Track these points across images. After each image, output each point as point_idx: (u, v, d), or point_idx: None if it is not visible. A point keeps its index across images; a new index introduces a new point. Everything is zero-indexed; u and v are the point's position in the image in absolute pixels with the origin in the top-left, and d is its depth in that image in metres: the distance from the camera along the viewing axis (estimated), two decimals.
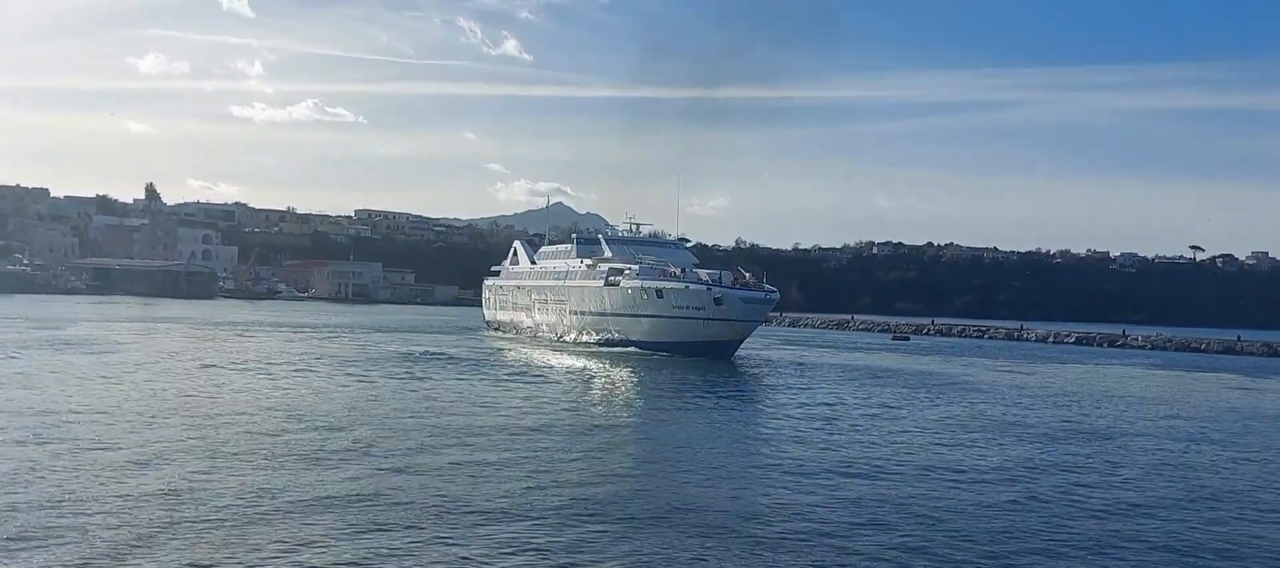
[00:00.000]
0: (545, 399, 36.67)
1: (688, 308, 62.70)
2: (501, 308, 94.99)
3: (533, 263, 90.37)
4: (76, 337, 60.41)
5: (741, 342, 63.99)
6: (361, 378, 42.09)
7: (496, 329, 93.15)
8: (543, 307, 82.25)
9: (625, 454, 25.29)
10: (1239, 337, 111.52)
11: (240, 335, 69.98)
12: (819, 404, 38.80)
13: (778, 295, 64.39)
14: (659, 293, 64.61)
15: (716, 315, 61.37)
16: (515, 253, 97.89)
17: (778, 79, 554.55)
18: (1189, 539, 18.36)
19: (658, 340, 64.50)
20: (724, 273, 65.47)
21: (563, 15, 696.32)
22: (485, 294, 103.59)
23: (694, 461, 24.51)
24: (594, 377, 47.73)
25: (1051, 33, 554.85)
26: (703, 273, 66.69)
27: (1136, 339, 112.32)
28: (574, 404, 35.81)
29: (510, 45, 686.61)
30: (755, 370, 55.54)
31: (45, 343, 54.42)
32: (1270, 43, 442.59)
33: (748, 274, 66.15)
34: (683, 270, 67.61)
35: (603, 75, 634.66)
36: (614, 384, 44.63)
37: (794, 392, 43.87)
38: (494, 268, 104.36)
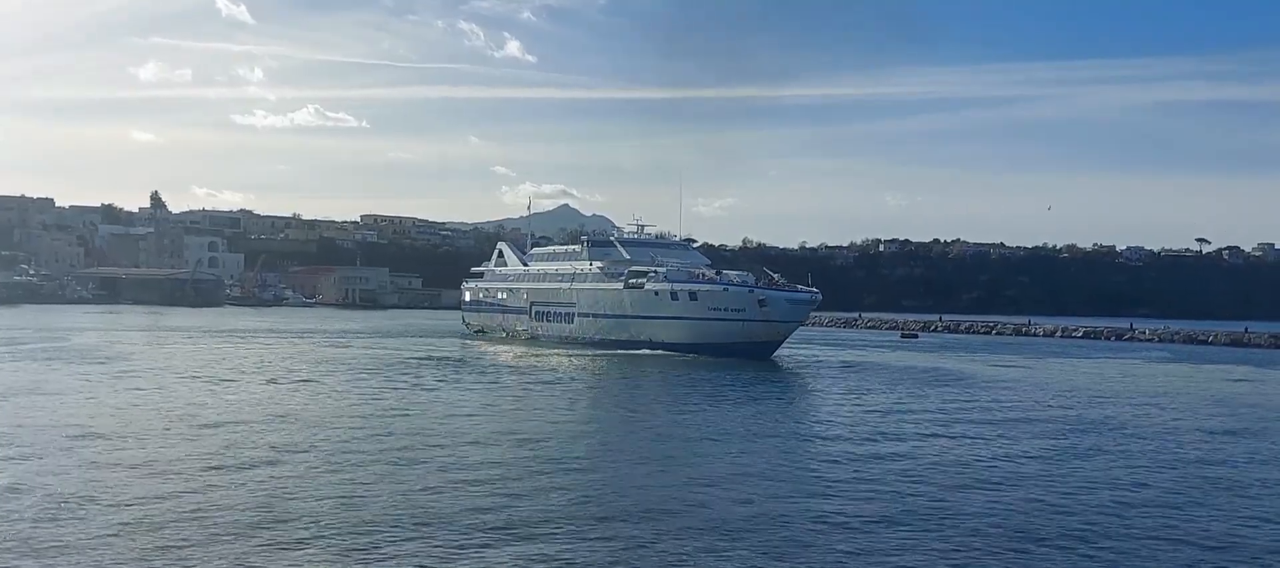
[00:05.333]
0: (593, 403, 36.80)
1: (726, 310, 63.09)
2: (489, 311, 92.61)
3: (524, 265, 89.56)
4: (85, 347, 60.59)
5: (782, 342, 64.36)
6: (391, 386, 42.12)
7: (479, 332, 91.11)
8: (544, 310, 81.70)
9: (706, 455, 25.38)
10: (1247, 328, 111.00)
11: (248, 343, 70.15)
12: (851, 403, 38.89)
13: (820, 296, 64.82)
14: (692, 295, 64.88)
15: (759, 316, 61.88)
16: (501, 254, 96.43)
17: (784, 78, 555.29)
18: (1199, 530, 18.34)
19: (689, 342, 64.54)
20: (748, 274, 66.73)
21: (562, 17, 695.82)
22: (466, 297, 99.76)
23: (747, 458, 24.63)
24: (636, 380, 47.92)
25: (1057, 28, 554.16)
26: (732, 274, 67.86)
27: (1144, 333, 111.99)
28: (635, 407, 35.92)
29: (513, 47, 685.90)
30: (796, 371, 55.84)
31: (54, 354, 54.60)
32: (1276, 35, 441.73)
33: (775, 275, 67.02)
34: (718, 272, 68.72)
35: (607, 76, 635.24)
36: (667, 386, 44.73)
37: (827, 393, 43.84)
38: (475, 270, 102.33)
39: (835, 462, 24.93)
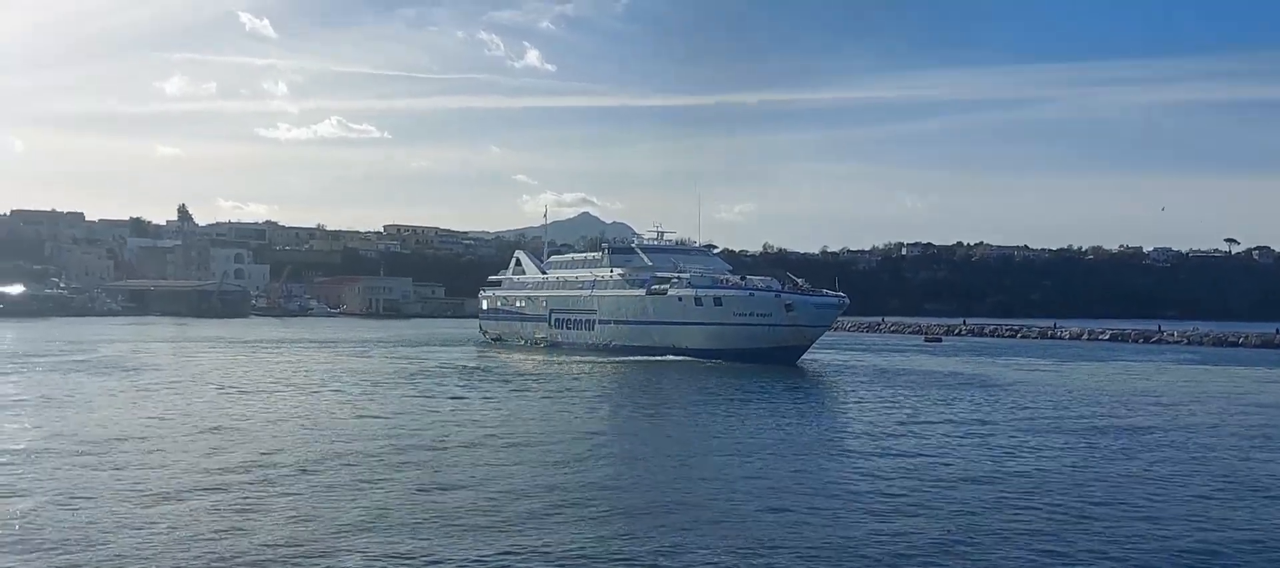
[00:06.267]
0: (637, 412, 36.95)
1: (752, 315, 63.28)
2: (507, 319, 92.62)
3: (543, 273, 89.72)
4: (116, 358, 61.25)
5: (808, 347, 64.40)
6: (409, 394, 42.36)
7: (497, 340, 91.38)
8: (564, 317, 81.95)
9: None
10: (1278, 330, 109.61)
11: (272, 353, 70.71)
12: (880, 408, 38.87)
13: (847, 300, 64.87)
14: (717, 300, 65.10)
15: (786, 321, 62.08)
16: (518, 262, 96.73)
17: (800, 83, 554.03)
18: (1234, 537, 18.18)
19: (714, 348, 64.60)
20: (773, 279, 67.19)
21: (581, 26, 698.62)
22: (483, 305, 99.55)
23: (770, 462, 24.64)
24: (661, 386, 47.92)
25: (1076, 27, 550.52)
26: (757, 279, 68.35)
27: (1172, 335, 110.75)
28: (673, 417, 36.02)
29: (533, 56, 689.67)
30: (823, 376, 55.78)
31: (85, 366, 55.24)
32: None
33: (800, 280, 67.37)
34: (743, 278, 69.25)
35: (625, 84, 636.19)
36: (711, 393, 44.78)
37: (855, 399, 43.72)
38: (492, 278, 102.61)
39: (864, 471, 24.78)
